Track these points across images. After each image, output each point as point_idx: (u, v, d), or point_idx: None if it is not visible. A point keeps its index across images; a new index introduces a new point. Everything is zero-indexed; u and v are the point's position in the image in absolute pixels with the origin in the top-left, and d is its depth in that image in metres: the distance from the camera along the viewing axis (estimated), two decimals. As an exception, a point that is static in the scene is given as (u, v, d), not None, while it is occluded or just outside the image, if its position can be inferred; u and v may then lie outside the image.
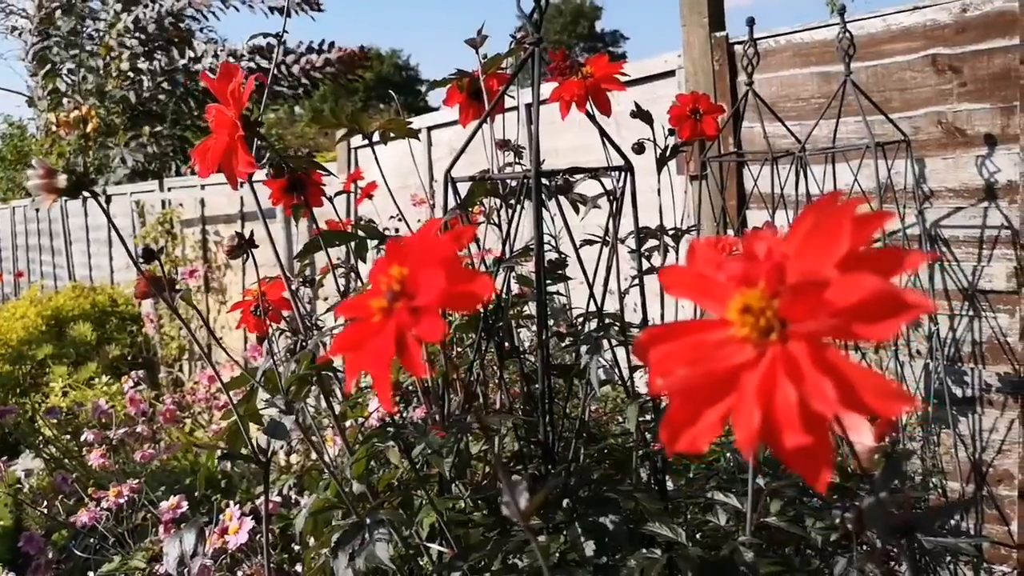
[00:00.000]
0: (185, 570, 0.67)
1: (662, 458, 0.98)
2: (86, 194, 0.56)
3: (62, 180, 0.53)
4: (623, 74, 0.92)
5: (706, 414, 0.30)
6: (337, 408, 1.02)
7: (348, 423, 1.23)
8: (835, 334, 0.27)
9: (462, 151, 0.96)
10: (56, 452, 1.89)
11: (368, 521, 0.67)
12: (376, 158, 0.90)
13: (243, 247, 0.70)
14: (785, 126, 1.52)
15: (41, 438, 2.02)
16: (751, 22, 1.51)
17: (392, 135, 0.89)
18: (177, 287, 0.61)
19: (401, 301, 0.35)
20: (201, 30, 6.36)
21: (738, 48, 1.73)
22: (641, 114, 0.95)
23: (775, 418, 0.28)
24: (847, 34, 1.43)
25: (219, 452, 0.66)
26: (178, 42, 5.82)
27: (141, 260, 0.59)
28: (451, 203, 0.96)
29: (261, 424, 0.77)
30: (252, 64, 5.50)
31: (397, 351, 0.34)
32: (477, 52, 1.07)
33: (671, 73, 1.92)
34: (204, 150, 0.72)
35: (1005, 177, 1.45)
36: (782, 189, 1.58)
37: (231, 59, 5.48)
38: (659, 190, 0.95)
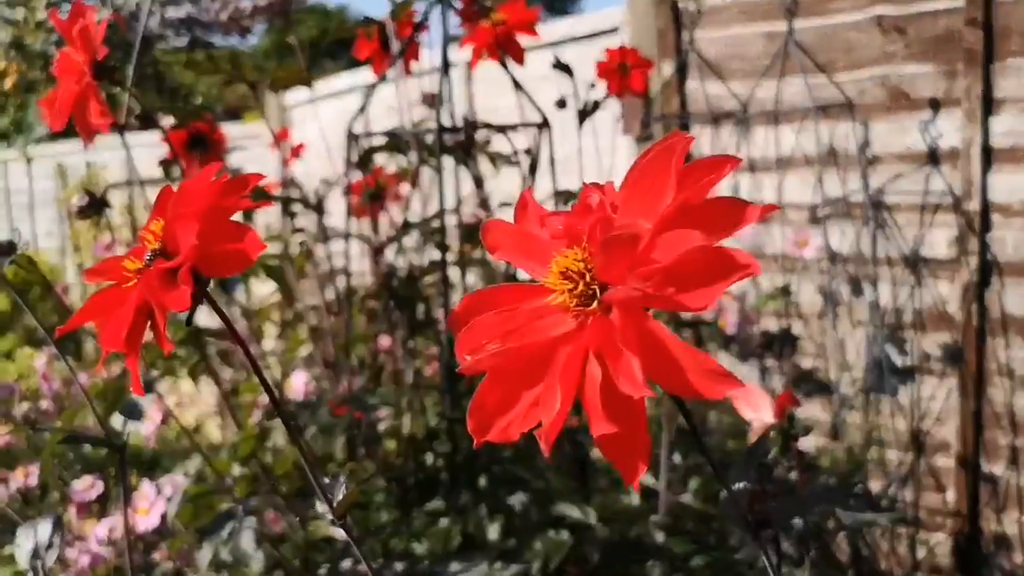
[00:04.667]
0: (39, 564, 0.60)
1: (584, 432, 0.93)
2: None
3: None
4: (538, 21, 0.85)
5: (522, 397, 0.25)
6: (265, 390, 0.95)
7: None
8: (650, 301, 0.21)
9: (366, 103, 0.88)
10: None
11: (240, 509, 0.60)
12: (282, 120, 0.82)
13: (93, 206, 0.62)
14: (727, 87, 1.47)
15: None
16: (693, -24, 1.44)
17: (284, 84, 0.81)
18: (12, 258, 0.53)
19: (157, 262, 0.28)
20: None
21: (683, 5, 1.67)
22: (561, 67, 0.89)
23: (584, 402, 0.23)
24: (790, -10, 1.38)
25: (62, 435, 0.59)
26: None
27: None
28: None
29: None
30: (180, 13, 5.25)
31: (145, 323, 0.27)
32: (389, -2, 0.98)
33: (615, 30, 1.84)
34: (52, 100, 0.64)
35: (948, 143, 1.42)
36: (724, 152, 1.53)
37: (159, 6, 5.24)
38: (580, 148, 0.89)
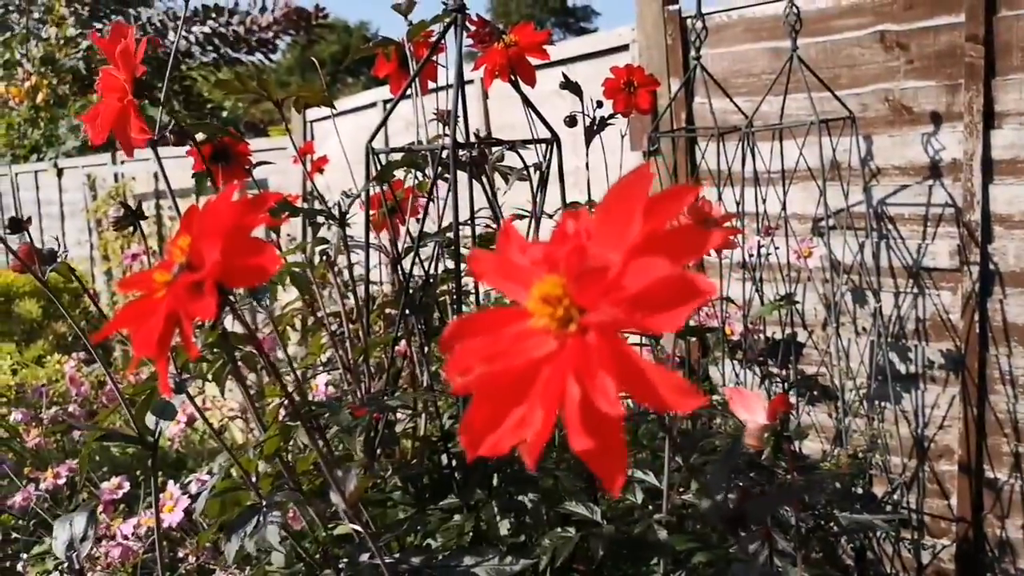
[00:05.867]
0: (75, 555, 0.64)
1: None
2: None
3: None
4: (549, 43, 0.90)
5: (509, 415, 0.27)
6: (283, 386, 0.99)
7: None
8: (622, 325, 0.25)
9: (384, 120, 0.93)
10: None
11: (265, 504, 0.64)
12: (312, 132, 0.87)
13: (128, 218, 0.67)
14: (733, 102, 1.51)
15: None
16: (699, -5, 1.49)
17: (307, 104, 0.86)
18: (59, 259, 0.58)
19: (184, 275, 0.32)
20: None
21: (691, 22, 1.71)
22: (569, 85, 0.93)
23: (564, 419, 0.26)
24: (794, 8, 1.42)
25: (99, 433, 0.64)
26: (127, 5, 5.64)
27: (8, 232, 0.56)
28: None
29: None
30: (206, 29, 5.35)
31: (174, 330, 0.32)
32: (406, 19, 1.03)
33: (625, 47, 1.89)
34: (94, 116, 0.69)
35: (950, 155, 1.45)
36: (729, 166, 1.57)
37: (183, 23, 5.34)
38: (587, 163, 0.93)
